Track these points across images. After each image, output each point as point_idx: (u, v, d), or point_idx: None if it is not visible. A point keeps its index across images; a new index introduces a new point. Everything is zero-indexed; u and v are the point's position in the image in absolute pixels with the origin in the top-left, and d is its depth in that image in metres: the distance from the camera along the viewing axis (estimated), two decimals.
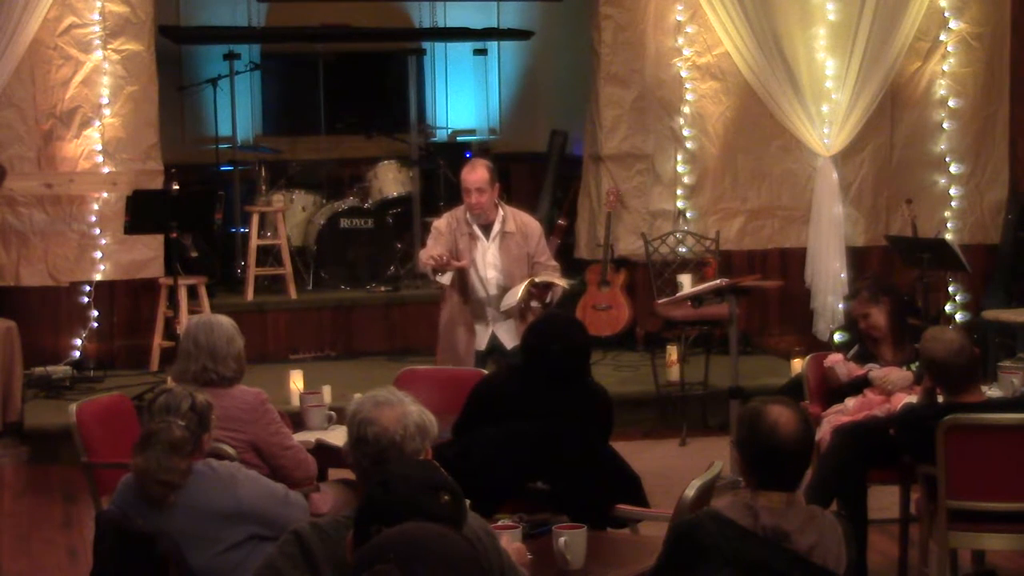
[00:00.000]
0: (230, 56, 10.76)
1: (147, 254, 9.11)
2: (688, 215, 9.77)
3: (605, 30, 9.63)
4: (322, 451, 5.24)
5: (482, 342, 7.26)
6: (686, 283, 8.79)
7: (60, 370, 8.71)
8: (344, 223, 10.11)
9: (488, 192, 7.10)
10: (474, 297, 7.21)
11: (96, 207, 9.05)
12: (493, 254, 7.16)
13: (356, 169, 11.09)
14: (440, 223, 7.29)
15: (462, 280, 7.18)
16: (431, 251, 7.14)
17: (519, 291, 7.01)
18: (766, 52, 9.62)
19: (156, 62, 9.23)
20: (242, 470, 4.23)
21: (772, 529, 3.38)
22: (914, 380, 5.95)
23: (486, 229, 7.18)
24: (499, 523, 4.08)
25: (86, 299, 9.11)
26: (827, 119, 9.78)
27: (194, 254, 9.74)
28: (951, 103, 10.02)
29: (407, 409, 3.36)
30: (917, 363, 5.90)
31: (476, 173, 7.10)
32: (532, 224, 7.28)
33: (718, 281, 7.18)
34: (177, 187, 9.45)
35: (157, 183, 9.08)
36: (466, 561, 2.27)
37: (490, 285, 7.17)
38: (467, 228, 7.17)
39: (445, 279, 7.17)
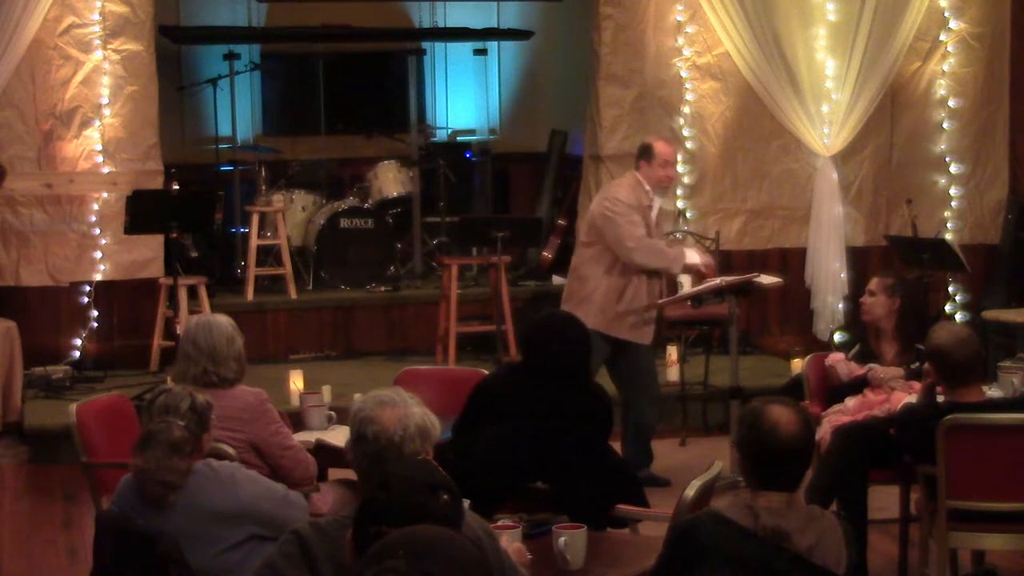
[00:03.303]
0: (230, 56, 10.76)
1: (147, 254, 9.11)
2: (688, 215, 9.77)
3: (605, 30, 9.63)
4: (322, 451, 5.24)
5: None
6: (686, 283, 8.79)
7: (60, 370, 8.71)
8: (344, 223, 10.11)
9: None
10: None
11: (96, 207, 9.05)
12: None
13: (356, 169, 11.10)
14: (627, 198, 7.07)
15: None
16: (638, 231, 7.00)
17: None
18: (766, 52, 9.62)
19: (156, 62, 9.23)
20: (242, 470, 4.23)
21: (772, 529, 3.38)
22: (909, 376, 5.96)
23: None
24: (499, 523, 4.08)
25: (86, 299, 9.11)
26: (827, 119, 9.78)
27: (194, 254, 9.74)
28: (951, 103, 10.02)
29: (410, 411, 3.35)
30: (917, 363, 5.92)
31: (673, 146, 7.23)
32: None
33: (718, 281, 7.18)
34: (177, 187, 9.45)
35: (157, 183, 9.08)
36: (474, 564, 2.27)
37: None
38: (648, 200, 7.10)
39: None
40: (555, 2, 11.84)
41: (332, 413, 5.65)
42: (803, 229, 9.90)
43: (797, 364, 8.23)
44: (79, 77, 8.94)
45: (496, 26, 11.97)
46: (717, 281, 7.21)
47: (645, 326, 7.15)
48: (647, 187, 7.08)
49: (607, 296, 7.04)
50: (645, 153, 7.10)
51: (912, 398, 5.67)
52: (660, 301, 8.18)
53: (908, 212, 9.63)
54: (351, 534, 2.69)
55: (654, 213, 7.15)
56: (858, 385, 6.07)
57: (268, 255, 10.11)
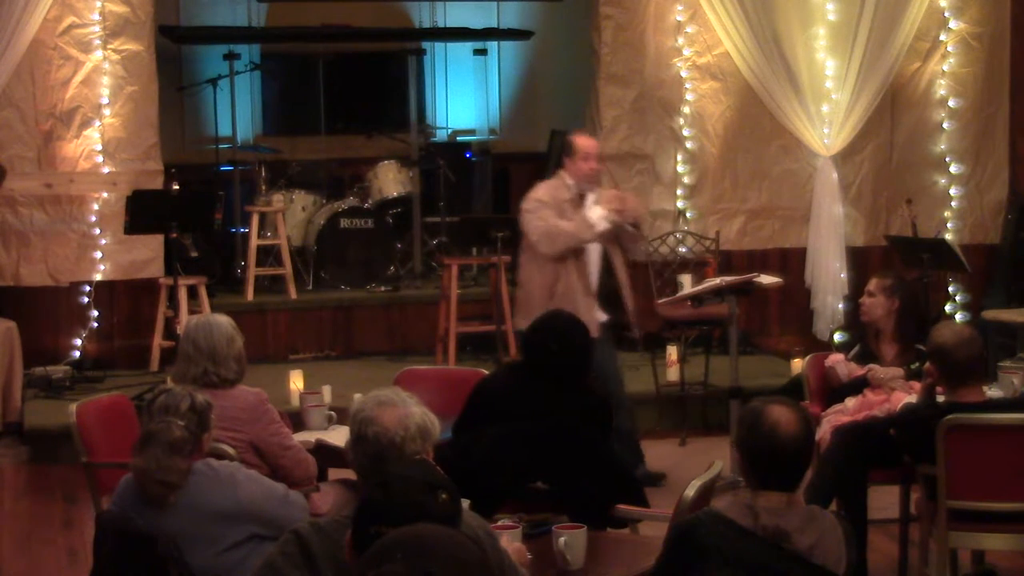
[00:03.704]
0: (230, 56, 10.76)
1: (147, 254, 9.11)
2: (688, 215, 9.78)
3: (605, 30, 9.63)
4: (322, 451, 5.24)
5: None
6: (686, 283, 8.80)
7: (60, 370, 8.71)
8: (344, 223, 10.11)
9: None
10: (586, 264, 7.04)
11: (96, 207, 9.05)
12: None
13: (356, 169, 11.09)
14: (542, 195, 7.03)
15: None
16: (541, 224, 6.90)
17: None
18: (766, 52, 9.63)
19: (156, 62, 9.23)
20: (242, 470, 4.23)
21: (772, 529, 3.38)
22: (909, 376, 5.96)
23: (581, 198, 7.04)
24: (499, 523, 4.08)
25: (86, 299, 9.11)
26: (827, 119, 9.79)
27: (194, 254, 9.73)
28: (951, 103, 10.03)
29: (410, 410, 3.35)
30: (917, 363, 5.91)
31: (594, 139, 7.10)
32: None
33: (718, 280, 7.17)
34: (177, 187, 9.45)
35: (157, 183, 9.08)
36: (473, 563, 2.27)
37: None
38: (570, 195, 6.97)
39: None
40: (555, 2, 11.83)
41: (332, 413, 5.65)
42: (803, 229, 9.90)
43: (797, 364, 8.23)
44: (79, 77, 8.94)
45: (496, 26, 11.96)
46: (717, 281, 7.21)
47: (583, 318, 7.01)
48: (569, 182, 6.98)
49: (540, 295, 6.95)
50: (566, 149, 7.04)
51: (912, 398, 5.67)
52: (660, 301, 8.17)
53: (908, 212, 9.63)
54: (350, 534, 2.69)
55: (589, 208, 6.98)
56: (858, 386, 6.07)
57: (268, 255, 10.10)
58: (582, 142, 7.02)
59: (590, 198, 7.02)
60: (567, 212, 6.94)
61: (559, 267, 6.95)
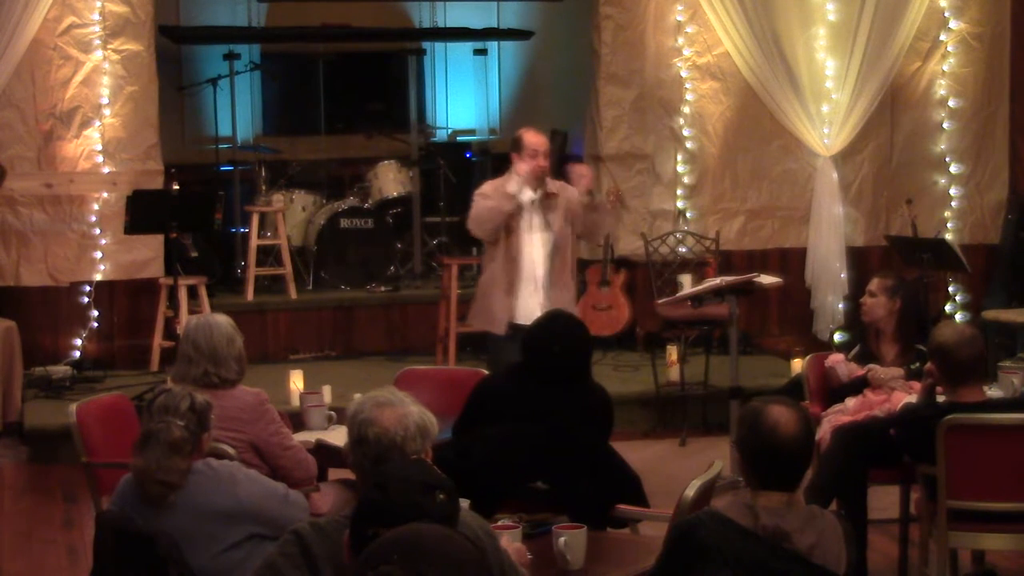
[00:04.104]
0: (230, 56, 10.76)
1: (147, 254, 9.11)
2: (688, 215, 9.78)
3: (605, 30, 9.63)
4: (322, 451, 5.24)
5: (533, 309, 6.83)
6: (686, 283, 8.80)
7: (60, 370, 8.71)
8: (344, 223, 10.11)
9: None
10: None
11: (96, 207, 9.05)
12: (540, 215, 6.88)
13: (356, 169, 11.09)
14: (485, 188, 6.95)
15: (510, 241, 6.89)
16: (472, 212, 6.86)
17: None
18: (766, 52, 9.63)
19: (156, 62, 9.23)
20: (242, 470, 4.23)
21: (772, 529, 3.38)
22: (909, 376, 5.96)
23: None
24: (499, 523, 4.08)
25: (86, 299, 9.11)
26: (827, 119, 9.79)
27: (194, 254, 9.74)
28: (951, 103, 10.03)
29: (408, 410, 3.36)
30: (917, 363, 5.91)
31: (542, 136, 6.95)
32: (570, 188, 6.99)
33: (718, 280, 7.17)
34: (177, 187, 9.45)
35: (157, 183, 9.08)
36: (470, 563, 2.27)
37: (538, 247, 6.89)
38: (515, 188, 6.82)
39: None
40: (555, 2, 11.83)
41: (332, 413, 5.65)
42: (803, 229, 9.90)
43: (797, 364, 8.23)
44: (79, 77, 8.94)
45: (496, 26, 11.97)
46: (717, 281, 7.20)
47: (486, 313, 6.93)
48: (517, 178, 6.85)
49: (479, 292, 7.01)
50: (515, 145, 6.92)
51: (912, 398, 5.67)
52: (660, 301, 8.15)
53: (908, 212, 9.63)
54: (348, 535, 2.69)
55: (526, 200, 6.82)
56: (858, 386, 6.07)
57: (268, 255, 10.10)
58: (530, 138, 6.90)
59: (528, 193, 6.83)
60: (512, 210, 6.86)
61: (490, 261, 6.92)
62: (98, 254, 9.07)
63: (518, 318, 6.73)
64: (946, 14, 9.94)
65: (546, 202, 6.83)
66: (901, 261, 9.06)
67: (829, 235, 9.78)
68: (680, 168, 9.76)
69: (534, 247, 6.86)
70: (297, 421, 5.63)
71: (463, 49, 12.08)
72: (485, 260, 7.05)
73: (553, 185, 6.89)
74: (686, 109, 9.71)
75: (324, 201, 10.59)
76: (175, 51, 11.22)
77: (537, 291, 6.84)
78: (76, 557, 6.29)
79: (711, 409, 8.38)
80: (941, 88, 10.03)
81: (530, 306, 6.75)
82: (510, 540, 3.71)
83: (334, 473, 5.56)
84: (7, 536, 6.75)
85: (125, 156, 9.07)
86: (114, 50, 9.02)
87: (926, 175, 10.08)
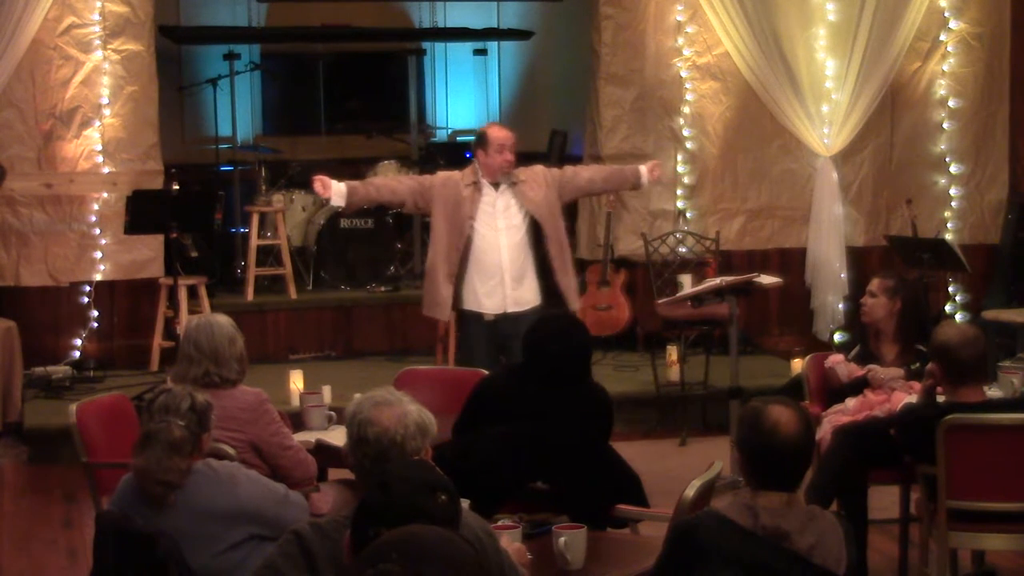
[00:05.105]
0: (230, 56, 10.77)
1: (147, 254, 9.11)
2: (688, 215, 9.78)
3: (605, 30, 9.63)
4: (322, 451, 5.24)
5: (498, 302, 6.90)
6: (686, 283, 8.79)
7: (60, 370, 8.71)
8: (344, 223, 10.11)
9: None
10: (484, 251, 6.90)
11: (96, 207, 9.05)
12: (505, 204, 6.88)
13: (356, 169, 11.07)
14: (433, 177, 7.01)
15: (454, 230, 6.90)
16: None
17: None
18: (766, 52, 9.63)
19: (156, 62, 9.23)
20: (242, 470, 4.23)
21: (772, 529, 3.38)
22: (909, 376, 5.96)
23: (494, 185, 6.90)
24: (499, 523, 4.08)
25: (86, 299, 9.11)
26: (827, 119, 9.79)
27: (194, 254, 9.74)
28: (951, 103, 10.03)
29: (406, 408, 3.36)
30: (917, 364, 5.91)
31: (508, 130, 6.96)
32: (534, 169, 7.04)
33: (718, 280, 7.17)
34: (177, 187, 9.44)
35: (157, 183, 9.07)
36: (469, 563, 2.27)
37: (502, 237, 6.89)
38: (469, 181, 6.85)
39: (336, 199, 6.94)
40: (555, 2, 11.84)
41: (332, 413, 5.65)
42: (803, 229, 9.90)
43: (797, 364, 8.23)
44: (79, 77, 8.94)
45: (496, 26, 11.98)
46: (717, 281, 7.20)
47: (429, 297, 7.01)
48: (478, 172, 6.87)
49: (425, 277, 7.12)
50: (480, 141, 6.90)
51: (912, 398, 5.67)
52: (660, 301, 8.16)
53: (908, 212, 9.63)
54: (349, 535, 2.69)
55: (485, 198, 6.85)
56: (858, 386, 6.07)
57: (268, 255, 10.10)
58: (496, 132, 6.90)
59: (488, 189, 6.85)
60: (463, 201, 6.84)
61: (430, 246, 7.03)
62: (98, 254, 9.07)
63: (468, 304, 6.88)
64: (946, 14, 9.94)
65: (516, 191, 6.87)
66: (901, 261, 9.06)
67: (829, 235, 9.78)
68: (680, 168, 9.76)
69: (499, 237, 6.87)
70: (297, 421, 5.63)
71: (463, 49, 12.09)
72: (429, 243, 7.10)
73: (522, 174, 6.93)
74: (686, 109, 9.71)
75: (324, 201, 10.58)
76: (175, 51, 11.23)
77: (503, 283, 6.87)
78: (76, 557, 6.29)
79: (711, 409, 8.38)
80: (941, 88, 10.03)
81: (495, 297, 6.85)
82: (510, 540, 3.71)
83: (334, 473, 5.57)
84: (7, 536, 6.75)
85: (125, 156, 9.07)
86: (114, 50, 9.02)
87: (926, 175, 10.08)
